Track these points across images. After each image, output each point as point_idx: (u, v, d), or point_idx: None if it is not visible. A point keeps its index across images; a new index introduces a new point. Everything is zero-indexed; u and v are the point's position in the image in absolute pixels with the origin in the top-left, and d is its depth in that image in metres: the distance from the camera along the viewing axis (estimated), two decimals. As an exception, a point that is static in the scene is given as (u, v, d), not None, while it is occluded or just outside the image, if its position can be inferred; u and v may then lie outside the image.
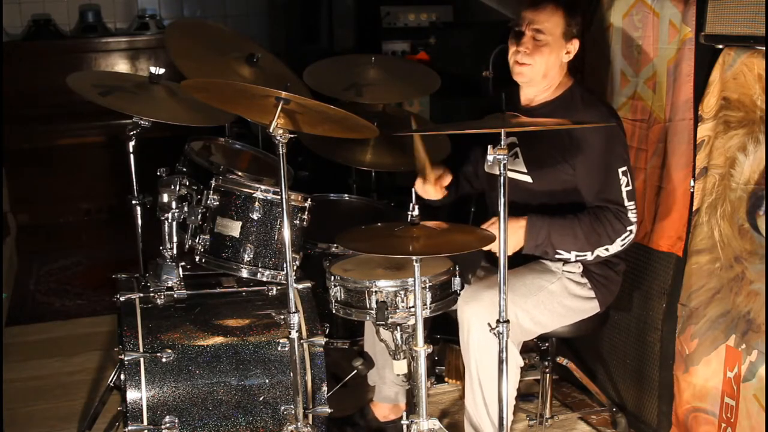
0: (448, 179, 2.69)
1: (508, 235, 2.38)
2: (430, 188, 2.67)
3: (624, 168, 2.46)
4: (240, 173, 2.65)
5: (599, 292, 2.57)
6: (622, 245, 2.46)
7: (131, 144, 2.75)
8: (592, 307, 2.58)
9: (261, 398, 2.49)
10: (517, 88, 2.62)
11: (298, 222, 2.63)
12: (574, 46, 2.52)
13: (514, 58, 2.51)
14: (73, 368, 3.48)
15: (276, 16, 6.30)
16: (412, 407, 2.73)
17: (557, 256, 2.47)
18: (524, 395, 3.04)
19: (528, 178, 2.56)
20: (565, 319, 2.56)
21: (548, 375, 2.76)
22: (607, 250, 2.46)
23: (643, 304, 2.82)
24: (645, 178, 2.76)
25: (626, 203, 2.45)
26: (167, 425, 2.40)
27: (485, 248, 2.39)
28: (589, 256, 2.47)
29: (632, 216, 2.45)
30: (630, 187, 2.46)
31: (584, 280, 2.55)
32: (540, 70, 2.49)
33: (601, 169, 2.45)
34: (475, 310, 2.39)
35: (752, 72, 2.31)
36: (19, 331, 3.89)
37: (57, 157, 5.43)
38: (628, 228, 2.45)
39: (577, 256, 2.46)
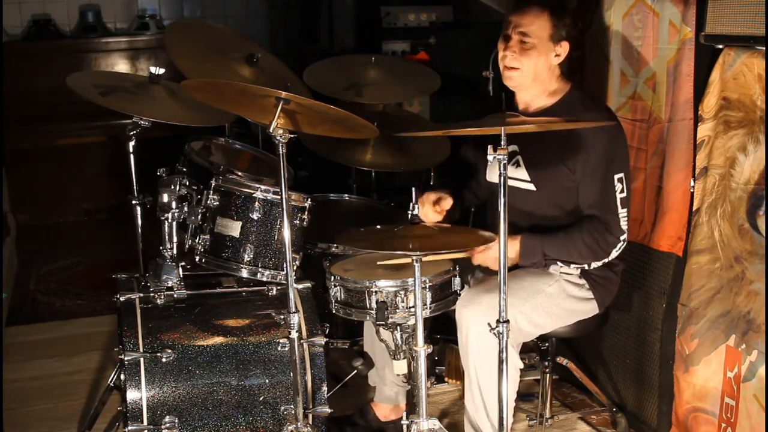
0: (448, 203, 2.63)
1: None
2: (428, 211, 2.60)
3: (620, 174, 2.46)
4: (240, 173, 2.65)
5: (598, 293, 2.57)
6: (617, 252, 2.50)
7: (131, 144, 2.75)
8: (591, 308, 2.58)
9: (261, 398, 2.49)
10: (513, 94, 2.62)
11: (298, 222, 2.63)
12: (564, 48, 2.50)
13: (502, 63, 2.51)
14: (73, 368, 3.47)
15: (276, 16, 6.30)
16: (412, 407, 2.73)
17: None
18: (524, 395, 3.04)
19: (531, 186, 2.55)
20: (563, 321, 2.56)
21: (548, 375, 2.76)
22: (603, 262, 2.51)
23: (643, 304, 2.82)
24: (645, 178, 2.76)
25: (619, 210, 2.46)
26: (167, 425, 2.40)
27: (480, 263, 2.42)
28: (587, 267, 2.53)
29: (623, 224, 2.47)
30: (624, 194, 2.47)
31: (582, 281, 2.56)
32: (529, 73, 2.48)
33: (599, 176, 2.46)
34: (472, 313, 2.39)
35: (752, 72, 2.31)
36: (19, 331, 3.89)
37: (57, 157, 5.42)
38: (621, 237, 2.47)
39: (576, 267, 2.53)
